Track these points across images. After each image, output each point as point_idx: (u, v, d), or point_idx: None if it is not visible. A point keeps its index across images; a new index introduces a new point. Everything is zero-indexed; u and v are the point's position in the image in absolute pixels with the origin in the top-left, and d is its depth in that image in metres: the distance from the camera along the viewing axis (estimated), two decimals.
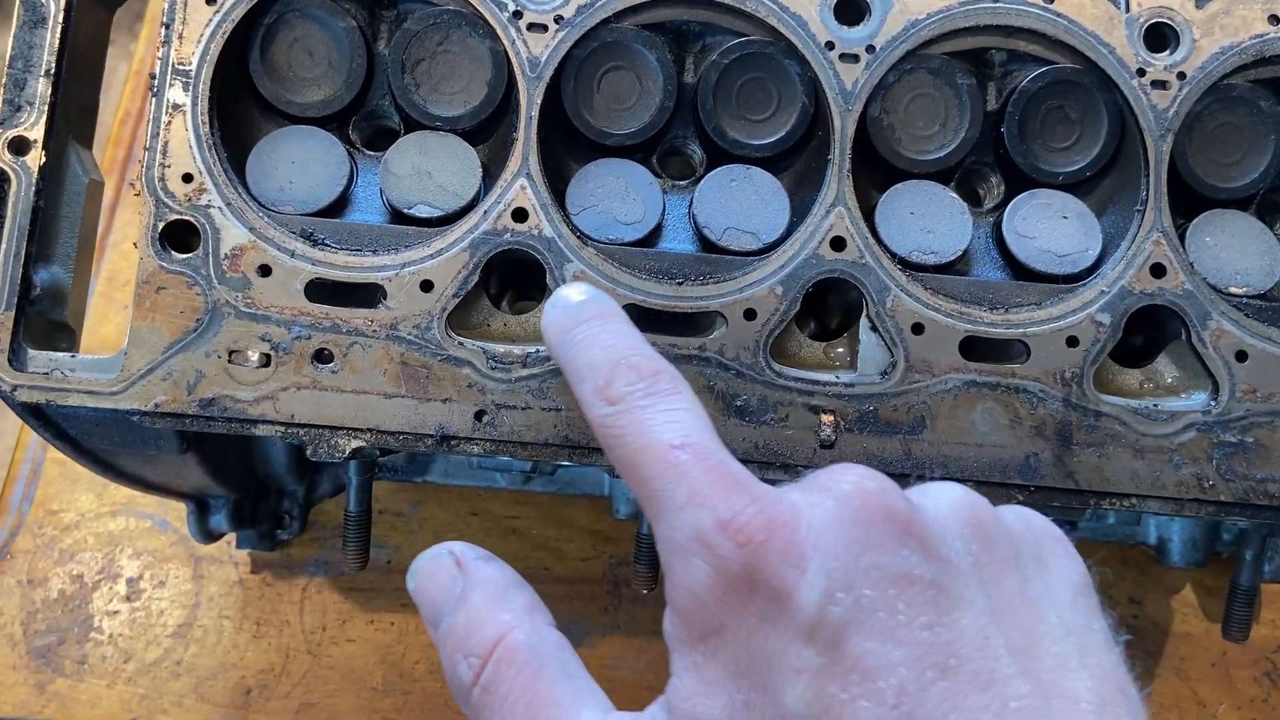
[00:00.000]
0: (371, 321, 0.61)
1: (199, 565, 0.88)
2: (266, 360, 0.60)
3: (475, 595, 0.50)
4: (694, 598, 0.43)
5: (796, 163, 0.68)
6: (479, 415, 0.61)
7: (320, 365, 0.61)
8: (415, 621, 0.87)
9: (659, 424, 0.48)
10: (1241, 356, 0.63)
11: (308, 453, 0.60)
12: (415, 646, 0.86)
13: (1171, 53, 0.65)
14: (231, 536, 0.86)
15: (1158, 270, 0.63)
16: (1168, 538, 0.87)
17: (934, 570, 0.42)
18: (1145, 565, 0.89)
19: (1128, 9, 0.65)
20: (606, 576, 0.89)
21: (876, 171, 0.68)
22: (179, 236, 0.61)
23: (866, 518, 0.43)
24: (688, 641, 0.44)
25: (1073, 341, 0.63)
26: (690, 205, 0.66)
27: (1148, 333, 0.67)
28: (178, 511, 0.87)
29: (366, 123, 0.68)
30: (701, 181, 0.66)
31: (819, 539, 0.42)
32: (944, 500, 0.46)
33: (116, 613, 0.87)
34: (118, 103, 1.02)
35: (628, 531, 0.89)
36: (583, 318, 0.54)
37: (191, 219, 0.61)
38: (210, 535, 0.82)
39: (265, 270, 0.61)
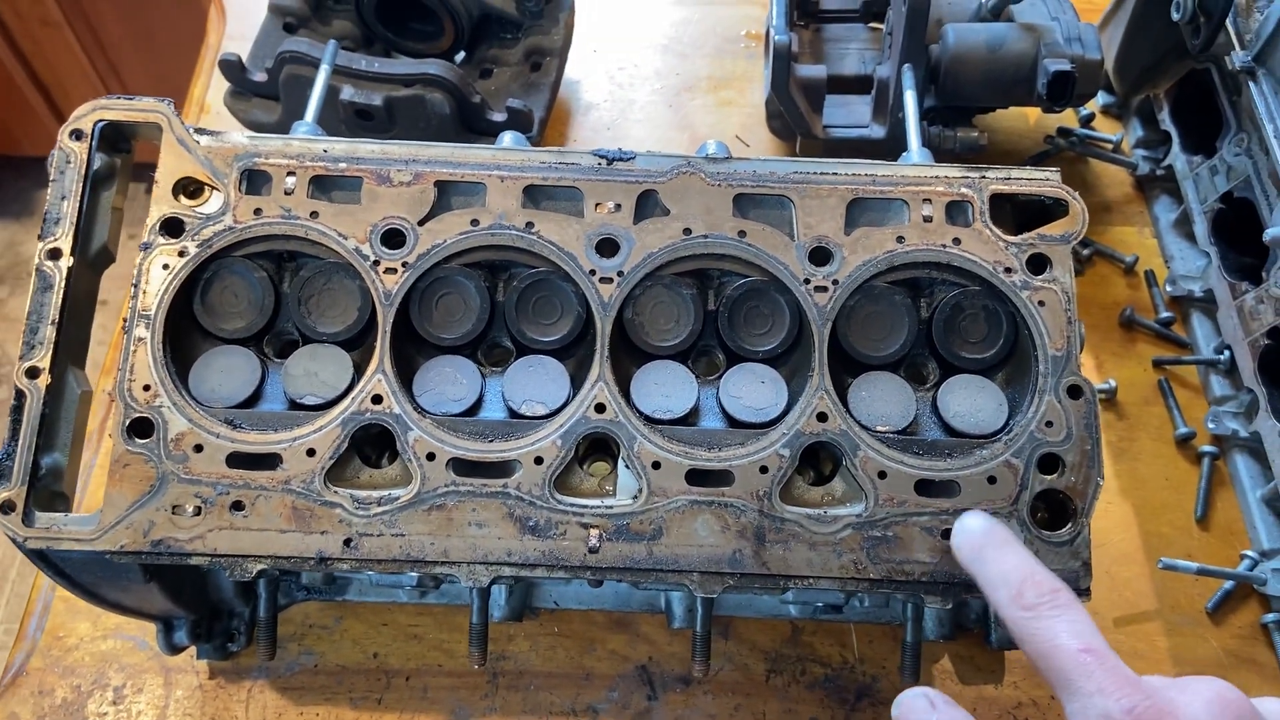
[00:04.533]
0: (272, 479, 0.88)
1: (169, 675, 1.13)
2: (198, 511, 0.87)
3: None
4: None
5: (576, 352, 0.96)
6: (347, 542, 0.87)
7: (236, 512, 0.87)
8: (337, 713, 1.11)
9: (1066, 630, 0.70)
10: (882, 475, 0.88)
11: (226, 575, 0.86)
12: None
13: (829, 266, 0.93)
14: (193, 650, 1.10)
15: (822, 417, 0.90)
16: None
17: None
18: None
19: (797, 238, 0.94)
20: (486, 669, 1.13)
21: (634, 355, 0.95)
22: (140, 428, 0.88)
23: (1229, 716, 0.65)
24: None
25: (764, 469, 0.89)
26: (502, 385, 0.94)
27: (830, 460, 0.93)
28: (152, 634, 1.12)
29: (276, 339, 0.96)
30: (509, 368, 0.94)
31: None
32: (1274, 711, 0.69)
33: (105, 714, 1.11)
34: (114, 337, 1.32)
35: (503, 633, 1.14)
36: (989, 543, 0.80)
37: (148, 416, 0.88)
38: (174, 648, 1.07)
39: (199, 448, 0.88)
